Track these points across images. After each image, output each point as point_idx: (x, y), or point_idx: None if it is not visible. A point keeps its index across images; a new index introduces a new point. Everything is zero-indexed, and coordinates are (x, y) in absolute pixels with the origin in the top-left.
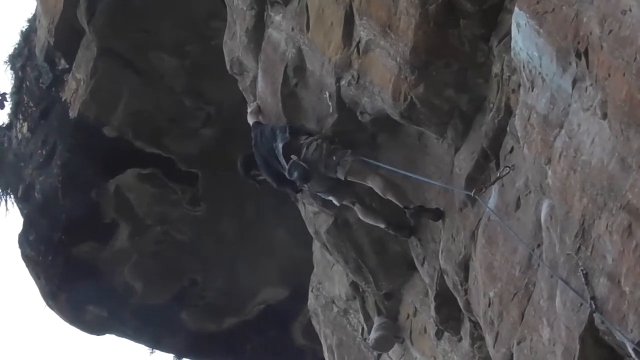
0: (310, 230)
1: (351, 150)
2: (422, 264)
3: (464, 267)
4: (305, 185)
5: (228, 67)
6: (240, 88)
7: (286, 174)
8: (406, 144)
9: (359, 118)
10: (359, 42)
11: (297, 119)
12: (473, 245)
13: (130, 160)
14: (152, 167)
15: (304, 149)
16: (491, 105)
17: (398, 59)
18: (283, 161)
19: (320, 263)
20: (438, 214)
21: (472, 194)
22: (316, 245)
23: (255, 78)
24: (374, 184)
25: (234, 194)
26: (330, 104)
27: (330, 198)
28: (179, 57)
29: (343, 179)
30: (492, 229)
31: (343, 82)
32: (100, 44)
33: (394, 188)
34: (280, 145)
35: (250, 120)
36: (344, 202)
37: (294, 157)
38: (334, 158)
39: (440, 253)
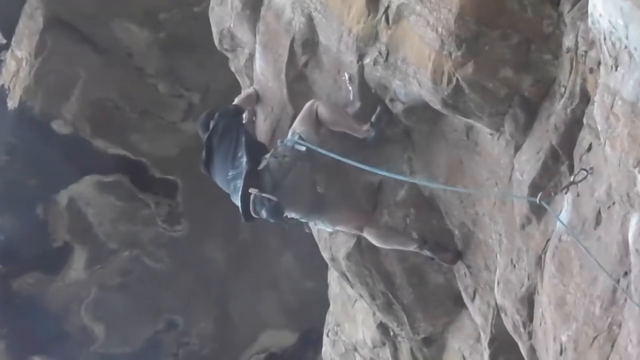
0: (325, 256)
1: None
2: (473, 299)
3: (528, 302)
4: (283, 219)
5: (216, 42)
6: (232, 69)
7: (251, 212)
8: (450, 141)
9: (389, 107)
10: (388, 7)
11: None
12: (539, 274)
13: (87, 164)
14: (117, 173)
15: (267, 175)
16: (562, 89)
17: (440, 29)
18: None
19: (338, 299)
20: None
21: (537, 200)
22: (333, 276)
23: (252, 55)
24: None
25: (224, 208)
26: (350, 89)
27: (320, 225)
28: (151, 28)
29: (317, 135)
30: (564, 252)
31: (367, 61)
32: (48, 12)
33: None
34: (240, 184)
35: (239, 100)
36: (340, 228)
37: (253, 190)
38: (290, 143)
39: (496, 284)
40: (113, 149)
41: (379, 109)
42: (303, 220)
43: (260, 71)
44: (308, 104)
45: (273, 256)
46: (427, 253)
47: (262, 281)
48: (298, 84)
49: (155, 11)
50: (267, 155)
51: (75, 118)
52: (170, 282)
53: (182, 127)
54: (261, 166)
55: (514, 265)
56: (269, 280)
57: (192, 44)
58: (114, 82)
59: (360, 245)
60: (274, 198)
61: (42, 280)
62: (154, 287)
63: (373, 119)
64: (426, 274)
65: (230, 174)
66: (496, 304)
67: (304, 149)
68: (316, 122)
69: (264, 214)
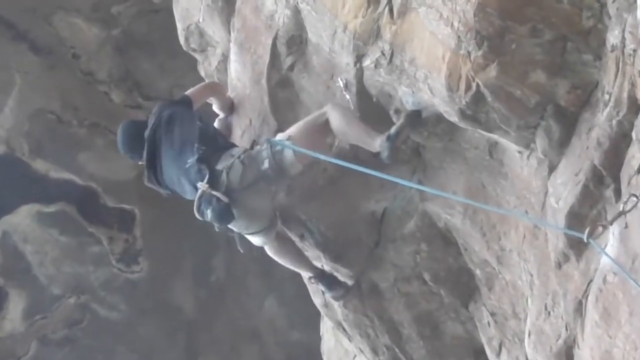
0: (317, 302)
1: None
2: (498, 354)
3: (566, 357)
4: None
5: (182, 40)
6: (202, 73)
7: (195, 211)
8: (470, 161)
9: (394, 120)
10: None
11: (294, 122)
12: (580, 323)
13: (25, 190)
14: (61, 201)
15: (224, 176)
16: (606, 96)
17: (456, 23)
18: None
19: (333, 354)
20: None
21: (584, 237)
22: (326, 326)
23: (225, 57)
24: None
25: (192, 242)
26: (347, 97)
27: (260, 240)
28: (102, 24)
29: (302, 165)
30: (610, 296)
31: (367, 63)
32: None
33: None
34: (199, 181)
35: (191, 91)
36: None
37: (201, 185)
38: (265, 153)
39: (526, 336)
40: (56, 172)
41: (403, 119)
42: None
43: (236, 76)
44: (317, 113)
45: (253, 301)
46: (321, 287)
47: (240, 332)
48: (282, 91)
49: (108, 3)
50: (236, 152)
51: (9, 134)
52: (128, 334)
53: None
54: (220, 165)
55: (549, 313)
56: (248, 330)
57: (152, 43)
58: (57, 90)
59: (361, 290)
60: (224, 199)
61: None
62: (108, 340)
63: (392, 130)
64: (441, 324)
65: (189, 161)
66: (527, 359)
67: (266, 166)
68: (320, 134)
69: (208, 215)
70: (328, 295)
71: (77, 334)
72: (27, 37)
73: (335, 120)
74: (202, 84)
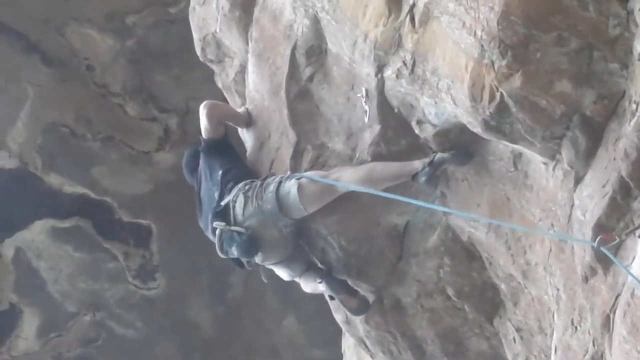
0: (338, 318)
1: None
2: None
3: None
4: (252, 262)
5: (198, 51)
6: (219, 84)
7: (219, 252)
8: (494, 172)
9: (416, 131)
10: (413, 5)
11: (314, 135)
12: (607, 339)
13: (39, 205)
14: (76, 216)
15: (231, 211)
16: (633, 106)
17: (479, 32)
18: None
19: None
20: None
21: (594, 244)
22: (348, 343)
23: (243, 68)
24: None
25: (210, 258)
26: (367, 108)
27: (285, 273)
28: (116, 34)
29: (306, 212)
30: (639, 310)
31: (388, 73)
32: None
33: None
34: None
35: (209, 131)
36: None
37: (218, 224)
38: (272, 187)
39: (553, 352)
40: (70, 187)
41: (450, 154)
42: (271, 266)
43: (254, 87)
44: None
45: (272, 319)
46: (325, 287)
47: (258, 350)
48: (301, 103)
49: (122, 13)
50: (242, 185)
51: (22, 148)
52: (144, 352)
53: (156, 158)
54: (224, 200)
55: (576, 328)
56: (266, 348)
57: (167, 55)
58: (70, 103)
59: (383, 306)
60: (243, 230)
61: None
62: (124, 359)
63: (437, 158)
64: (465, 339)
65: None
66: None
67: (267, 201)
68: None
69: (234, 251)
70: (337, 299)
71: (92, 353)
72: (39, 49)
73: (353, 179)
74: (204, 113)
